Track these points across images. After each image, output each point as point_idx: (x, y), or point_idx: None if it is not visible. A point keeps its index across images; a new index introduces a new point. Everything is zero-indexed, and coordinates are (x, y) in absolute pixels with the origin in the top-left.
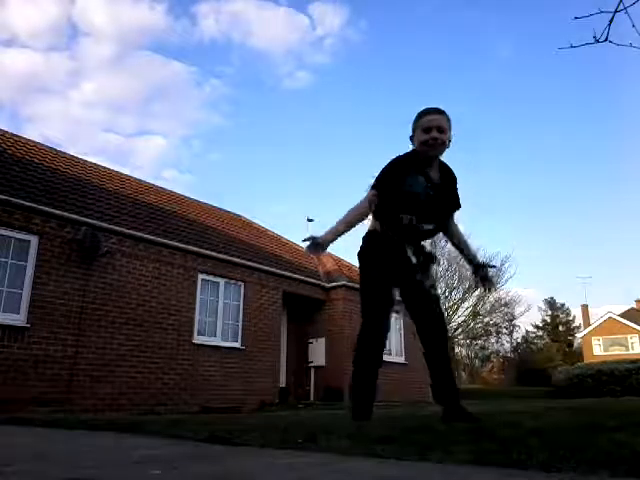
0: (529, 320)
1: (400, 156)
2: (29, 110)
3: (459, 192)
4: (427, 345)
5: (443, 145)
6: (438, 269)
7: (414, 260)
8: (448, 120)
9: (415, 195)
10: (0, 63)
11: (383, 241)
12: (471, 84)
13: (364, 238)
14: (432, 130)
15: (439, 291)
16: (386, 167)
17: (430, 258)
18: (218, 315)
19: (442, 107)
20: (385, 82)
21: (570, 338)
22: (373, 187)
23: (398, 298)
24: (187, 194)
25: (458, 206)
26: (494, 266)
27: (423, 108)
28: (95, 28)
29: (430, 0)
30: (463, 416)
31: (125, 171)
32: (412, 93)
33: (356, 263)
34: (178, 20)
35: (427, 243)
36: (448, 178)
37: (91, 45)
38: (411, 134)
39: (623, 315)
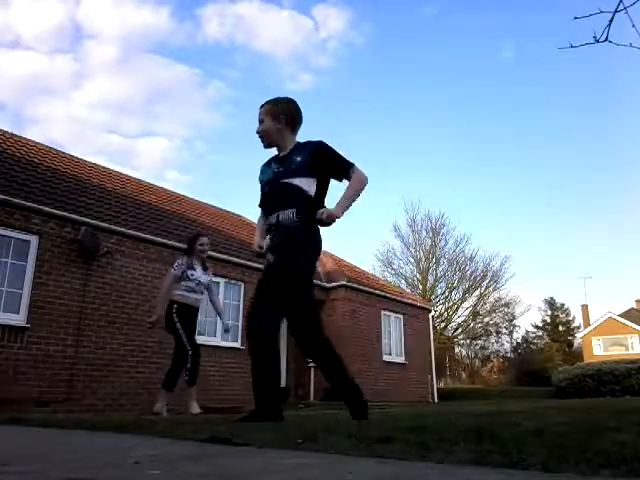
0: (529, 320)
1: None
2: (32, 112)
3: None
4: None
5: (266, 134)
6: (438, 269)
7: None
8: (264, 107)
9: (263, 185)
10: (4, 65)
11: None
12: (472, 85)
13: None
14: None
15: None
16: None
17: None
18: None
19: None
20: (387, 83)
21: (570, 338)
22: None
23: None
24: (187, 194)
25: (339, 168)
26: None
27: None
28: (99, 30)
29: (433, 2)
30: (359, 413)
31: (128, 172)
32: (413, 94)
33: (356, 262)
34: (182, 23)
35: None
36: (302, 150)
37: (95, 47)
38: None
39: (623, 315)
